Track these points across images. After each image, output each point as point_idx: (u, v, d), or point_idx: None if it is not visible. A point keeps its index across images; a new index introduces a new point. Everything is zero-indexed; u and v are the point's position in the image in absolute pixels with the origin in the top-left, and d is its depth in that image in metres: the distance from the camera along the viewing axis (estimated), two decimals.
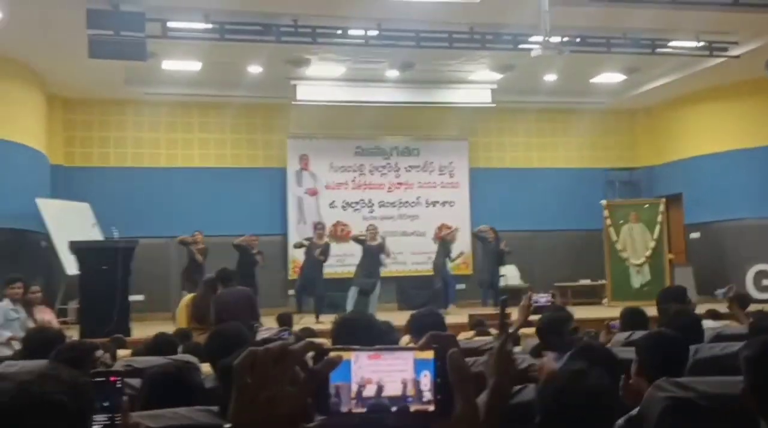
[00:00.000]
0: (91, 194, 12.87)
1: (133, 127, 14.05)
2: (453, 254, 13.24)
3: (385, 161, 14.75)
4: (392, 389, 0.91)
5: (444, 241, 13.28)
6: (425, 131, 14.82)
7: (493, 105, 13.92)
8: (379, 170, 14.69)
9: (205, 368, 3.55)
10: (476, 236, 13.39)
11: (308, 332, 6.32)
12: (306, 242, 12.38)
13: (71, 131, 13.89)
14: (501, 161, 15.66)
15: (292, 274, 13.76)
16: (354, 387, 0.91)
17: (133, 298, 10.15)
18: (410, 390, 0.91)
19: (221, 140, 14.36)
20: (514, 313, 5.27)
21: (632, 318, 5.18)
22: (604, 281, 13.77)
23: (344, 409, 0.90)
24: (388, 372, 0.91)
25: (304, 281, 12.14)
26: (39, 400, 1.37)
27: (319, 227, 12.49)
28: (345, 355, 0.91)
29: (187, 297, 8.65)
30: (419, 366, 0.92)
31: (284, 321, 7.67)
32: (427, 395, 0.92)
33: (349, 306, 11.39)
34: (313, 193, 14.47)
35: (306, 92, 13.05)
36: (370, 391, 0.91)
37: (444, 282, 12.83)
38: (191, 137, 14.28)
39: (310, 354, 0.90)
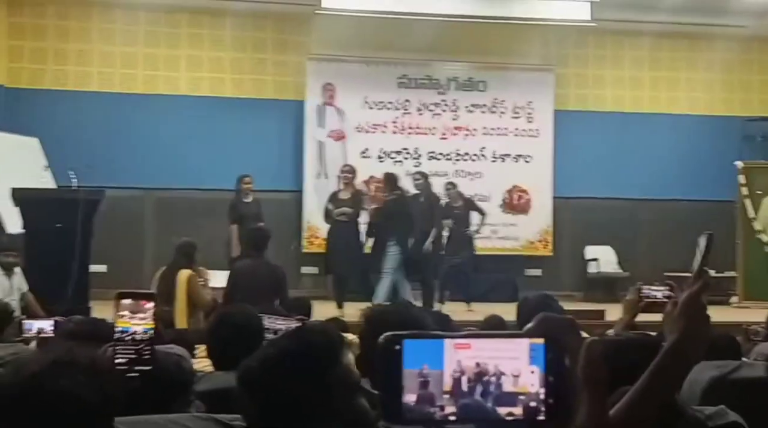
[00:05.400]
0: (42, 126, 11.48)
1: (100, 37, 12.53)
2: None
3: (440, 96, 13.21)
4: (500, 384, 0.86)
5: None
6: (496, 58, 13.26)
7: (593, 24, 12.63)
8: (430, 108, 13.17)
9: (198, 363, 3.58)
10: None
11: (338, 324, 5.81)
12: (330, 206, 10.15)
13: (18, 39, 12.41)
14: (599, 102, 14.01)
15: (308, 245, 12.36)
16: (447, 380, 0.85)
17: (94, 268, 9.32)
18: (524, 386, 0.86)
19: (218, 60, 12.89)
20: (614, 311, 5.64)
21: None
22: (733, 273, 12.44)
23: (431, 410, 0.82)
24: (496, 359, 0.86)
25: (338, 260, 10.04)
26: (52, 397, 1.40)
27: (345, 170, 10.63)
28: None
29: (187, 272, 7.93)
30: (535, 355, 0.86)
31: (299, 308, 6.83)
32: (534, 399, 0.87)
33: (381, 296, 9.95)
34: (340, 137, 12.91)
35: None
36: (466, 383, 0.86)
37: None
38: (178, 54, 12.80)
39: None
